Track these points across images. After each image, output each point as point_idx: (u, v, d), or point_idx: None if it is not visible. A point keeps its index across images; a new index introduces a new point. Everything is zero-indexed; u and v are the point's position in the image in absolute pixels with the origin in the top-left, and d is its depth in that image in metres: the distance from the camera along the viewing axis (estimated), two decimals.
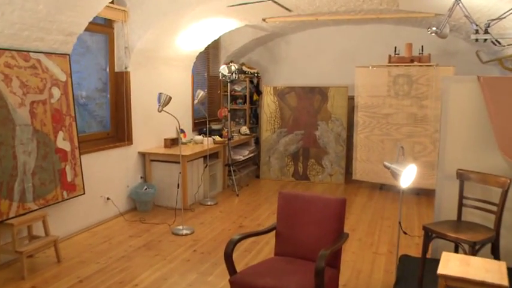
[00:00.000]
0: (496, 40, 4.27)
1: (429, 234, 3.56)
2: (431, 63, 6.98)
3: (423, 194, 7.20)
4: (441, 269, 2.57)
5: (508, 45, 4.46)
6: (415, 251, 4.77)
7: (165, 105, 5.24)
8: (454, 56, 7.99)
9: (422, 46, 7.28)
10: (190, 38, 6.54)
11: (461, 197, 3.71)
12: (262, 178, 8.30)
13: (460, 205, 3.72)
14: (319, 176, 8.11)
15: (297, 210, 3.50)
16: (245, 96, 8.71)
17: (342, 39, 8.63)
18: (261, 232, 3.50)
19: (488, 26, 4.23)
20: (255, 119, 9.12)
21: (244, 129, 8.35)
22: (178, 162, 6.07)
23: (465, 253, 3.18)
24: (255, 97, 8.93)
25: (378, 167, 7.40)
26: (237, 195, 7.06)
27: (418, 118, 7.04)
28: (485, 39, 4.30)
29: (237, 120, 8.89)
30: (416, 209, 6.46)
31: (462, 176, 3.68)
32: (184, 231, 5.26)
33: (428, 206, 6.60)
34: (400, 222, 3.54)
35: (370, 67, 7.34)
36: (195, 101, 6.46)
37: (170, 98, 5.25)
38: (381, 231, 5.45)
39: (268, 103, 8.26)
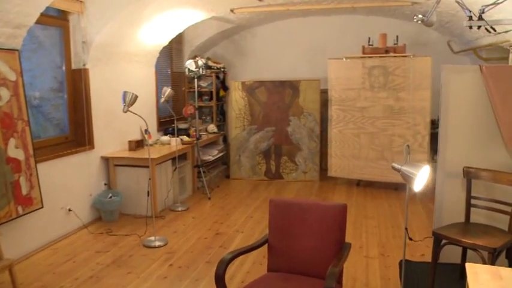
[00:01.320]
0: (491, 27, 4.01)
1: (439, 240, 3.26)
2: (407, 54, 6.74)
3: (402, 189, 6.98)
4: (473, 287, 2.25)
5: (507, 31, 4.23)
6: (410, 254, 4.49)
7: (131, 105, 4.74)
8: (425, 46, 7.81)
9: (397, 36, 7.04)
10: (154, 32, 6.04)
11: (469, 197, 3.42)
12: (233, 178, 7.89)
13: (468, 206, 3.43)
14: (293, 174, 7.77)
15: (291, 220, 3.12)
16: (211, 92, 8.25)
17: (311, 31, 8.31)
18: (253, 247, 3.08)
19: (483, 12, 3.96)
20: (222, 116, 8.68)
21: (212, 127, 7.91)
22: (145, 166, 5.59)
23: (483, 261, 2.89)
24: (222, 93, 8.49)
25: (354, 163, 7.13)
26: (209, 198, 6.62)
27: (395, 111, 6.80)
28: (479, 26, 4.04)
29: (204, 118, 8.43)
30: (399, 206, 6.22)
31: (470, 174, 3.40)
32: (157, 243, 4.79)
33: (410, 202, 6.37)
34: (406, 229, 3.22)
35: (344, 59, 7.04)
36: (162, 99, 5.97)
37: (136, 97, 4.75)
38: (367, 233, 5.15)
39: (237, 99, 7.84)
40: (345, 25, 8.17)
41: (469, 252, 3.43)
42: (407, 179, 2.74)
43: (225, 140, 8.50)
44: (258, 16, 7.61)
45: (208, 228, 5.32)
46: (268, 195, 6.79)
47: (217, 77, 8.33)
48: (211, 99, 8.24)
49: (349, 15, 8.12)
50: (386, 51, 6.93)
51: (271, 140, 7.79)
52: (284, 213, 3.14)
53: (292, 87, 7.68)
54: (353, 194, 6.83)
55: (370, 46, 7.15)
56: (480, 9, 4.02)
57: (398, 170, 2.84)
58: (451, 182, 3.64)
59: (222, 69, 8.21)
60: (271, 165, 7.83)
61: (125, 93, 4.73)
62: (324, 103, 7.85)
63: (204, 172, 6.85)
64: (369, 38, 7.18)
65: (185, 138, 6.84)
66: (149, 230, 5.20)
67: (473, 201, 3.44)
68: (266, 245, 3.18)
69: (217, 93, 8.31)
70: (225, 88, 8.57)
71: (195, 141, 6.79)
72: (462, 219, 3.59)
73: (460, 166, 3.52)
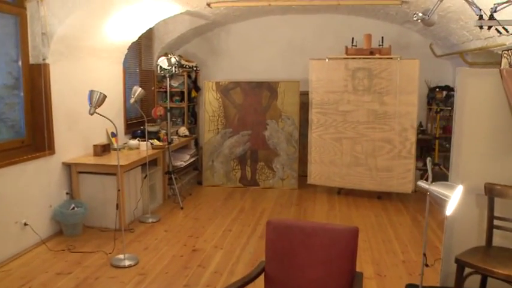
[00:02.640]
0: (504, 27, 3.67)
1: (462, 268, 2.87)
2: (394, 56, 6.42)
3: (385, 198, 6.65)
4: None
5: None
6: (407, 272, 4.12)
7: (99, 106, 4.18)
8: (407, 48, 7.54)
9: (382, 37, 6.70)
10: (122, 25, 5.47)
11: (491, 217, 3.06)
12: (206, 185, 7.37)
13: (490, 227, 3.07)
14: (270, 181, 7.33)
15: (293, 246, 2.66)
16: (182, 92, 7.71)
17: (289, 30, 7.90)
18: (247, 281, 2.60)
19: (495, 11, 3.62)
20: (193, 118, 8.16)
21: (183, 130, 7.37)
22: (113, 174, 5.02)
23: None
24: (194, 93, 7.96)
25: (335, 170, 6.75)
26: (181, 208, 6.09)
27: (380, 115, 6.46)
28: (490, 26, 3.70)
29: (174, 120, 7.88)
30: (386, 216, 5.87)
31: (493, 192, 3.04)
32: (127, 262, 4.24)
33: (396, 212, 6.05)
34: (424, 254, 2.82)
35: (327, 59, 6.65)
36: (132, 100, 5.41)
37: (104, 97, 4.19)
38: (358, 248, 4.75)
39: (211, 100, 7.34)
40: (325, 25, 7.81)
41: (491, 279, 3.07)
42: (438, 201, 2.34)
43: (197, 143, 7.98)
44: (234, 12, 7.14)
45: (184, 244, 4.80)
46: (245, 205, 6.33)
47: (189, 77, 7.80)
48: (182, 99, 7.70)
49: (330, 15, 7.76)
50: (371, 53, 6.59)
51: (247, 144, 7.33)
52: (284, 237, 2.68)
53: (269, 88, 7.25)
54: (335, 203, 6.45)
55: (354, 47, 6.79)
56: (492, 8, 3.69)
57: (425, 190, 2.43)
58: (466, 199, 3.27)
59: (195, 68, 7.69)
60: (247, 171, 7.36)
61: (91, 93, 4.17)
62: (304, 106, 7.46)
63: (175, 179, 6.32)
64: (353, 39, 6.82)
65: (155, 142, 6.29)
66: (117, 245, 4.64)
67: (495, 222, 3.07)
68: (262, 275, 2.71)
69: (189, 93, 7.78)
70: (197, 88, 8.05)
71: (166, 146, 6.25)
72: (478, 241, 3.24)
73: (476, 180, 3.16)
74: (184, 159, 6.97)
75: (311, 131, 6.87)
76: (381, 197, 6.69)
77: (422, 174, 7.02)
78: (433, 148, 7.38)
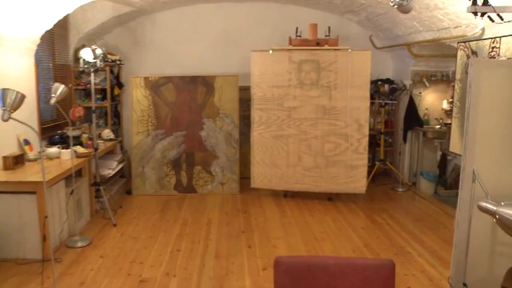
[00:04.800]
0: (498, 14, 3.31)
1: None
2: (343, 47, 5.98)
3: (337, 200, 6.23)
4: None
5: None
6: None
7: (15, 109, 3.26)
8: (346, 40, 7.15)
9: (329, 27, 6.24)
10: (33, 9, 4.47)
11: None
12: (137, 194, 6.49)
13: None
14: (209, 186, 6.62)
15: None
16: (104, 90, 6.75)
17: (222, 19, 7.23)
18: None
19: None
20: (116, 119, 7.20)
21: (107, 132, 6.42)
22: (30, 192, 4.07)
23: None
24: (116, 91, 7.01)
25: (282, 171, 6.21)
26: (114, 224, 5.21)
27: (329, 111, 6.01)
28: (483, 13, 3.32)
29: (96, 121, 6.85)
30: (344, 220, 5.43)
31: None
32: None
33: (353, 215, 5.64)
34: (465, 285, 2.32)
35: (271, 51, 6.07)
36: (53, 100, 4.44)
37: (23, 97, 3.28)
38: None
39: (139, 98, 6.46)
40: (261, 14, 7.24)
41: None
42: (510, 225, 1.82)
43: (122, 148, 7.04)
44: None
45: (128, 273, 3.98)
46: (186, 216, 5.58)
47: (111, 72, 6.84)
48: (104, 98, 6.73)
49: (265, 3, 7.20)
50: (318, 44, 6.11)
51: (181, 146, 6.56)
52: (302, 281, 2.05)
53: (205, 84, 6.52)
54: (286, 208, 5.92)
55: (299, 37, 6.28)
56: None
57: (493, 214, 1.91)
58: (475, 210, 2.83)
59: (118, 62, 6.75)
60: (183, 176, 6.59)
61: (3, 92, 3.24)
62: (244, 102, 6.86)
63: (104, 190, 5.40)
64: (297, 29, 6.30)
65: (79, 149, 5.33)
66: (45, 283, 3.71)
67: None
68: None
69: (111, 91, 6.82)
70: (120, 85, 7.11)
71: (92, 153, 5.31)
72: (491, 258, 2.82)
73: (492, 189, 2.73)
74: (111, 167, 6.05)
75: (253, 129, 6.27)
76: (331, 198, 6.26)
77: (369, 173, 6.69)
78: (378, 144, 7.11)
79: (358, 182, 6.04)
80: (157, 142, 6.51)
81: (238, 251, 4.51)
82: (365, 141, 5.95)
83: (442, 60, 6.70)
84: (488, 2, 3.28)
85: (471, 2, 3.31)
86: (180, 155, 6.56)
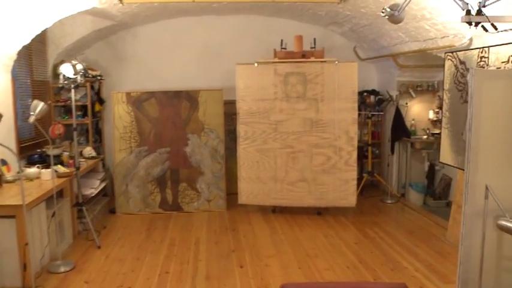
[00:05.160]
0: (492, 24, 3.25)
1: None
2: (330, 59, 5.92)
3: (326, 214, 6.11)
4: None
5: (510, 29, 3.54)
6: None
7: None
8: (330, 52, 7.08)
9: (314, 39, 6.17)
10: (10, 23, 4.29)
11: None
12: (120, 213, 6.27)
13: None
14: (195, 204, 6.44)
15: None
16: (84, 106, 6.54)
17: (205, 33, 7.11)
18: None
19: (484, 6, 3.18)
20: (98, 136, 6.99)
21: (89, 150, 6.21)
22: (9, 216, 3.85)
23: None
24: (97, 107, 6.81)
25: (269, 186, 6.08)
26: (99, 246, 4.98)
27: (317, 124, 5.91)
28: (477, 23, 3.26)
29: (76, 138, 6.63)
30: (336, 235, 5.31)
31: None
32: None
33: (344, 229, 5.54)
34: None
35: (256, 64, 5.97)
36: (31, 118, 4.22)
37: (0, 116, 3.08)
38: (325, 279, 4.10)
39: (121, 114, 6.27)
40: (244, 27, 7.15)
41: None
42: None
43: (104, 165, 6.82)
44: (146, 12, 6.18)
45: None
46: (173, 235, 5.40)
47: (92, 88, 6.65)
48: (85, 114, 6.53)
49: (248, 16, 7.12)
50: (304, 56, 6.03)
51: (165, 163, 6.37)
52: None
53: (189, 98, 6.37)
54: (275, 224, 5.77)
55: (284, 50, 6.19)
56: (480, 2, 3.25)
57: None
58: (480, 223, 2.74)
59: (99, 78, 6.55)
60: (168, 194, 6.40)
61: None
62: (229, 117, 6.73)
63: (87, 210, 5.18)
64: (282, 41, 6.21)
65: (60, 168, 5.12)
66: None
67: None
68: None
69: (92, 107, 6.62)
70: (101, 101, 6.91)
71: (74, 172, 5.10)
72: (496, 271, 2.72)
73: (492, 200, 2.64)
74: (94, 186, 5.83)
75: (240, 144, 6.14)
76: (320, 212, 6.14)
77: (357, 185, 6.60)
78: (366, 156, 7.04)
79: (348, 196, 5.94)
80: (141, 159, 6.32)
81: (230, 271, 4.34)
82: (355, 153, 5.87)
83: (428, 70, 6.69)
84: (482, 11, 3.22)
85: (465, 11, 3.25)
86: (165, 172, 6.38)
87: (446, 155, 5.25)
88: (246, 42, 7.10)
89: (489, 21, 3.28)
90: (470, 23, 3.26)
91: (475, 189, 2.72)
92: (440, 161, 5.40)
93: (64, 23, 5.81)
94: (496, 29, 3.34)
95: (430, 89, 6.85)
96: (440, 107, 6.63)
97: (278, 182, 6.08)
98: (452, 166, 5.13)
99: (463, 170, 4.88)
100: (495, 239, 2.80)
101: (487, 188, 2.09)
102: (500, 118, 2.69)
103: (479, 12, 3.24)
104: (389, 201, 6.74)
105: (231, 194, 6.55)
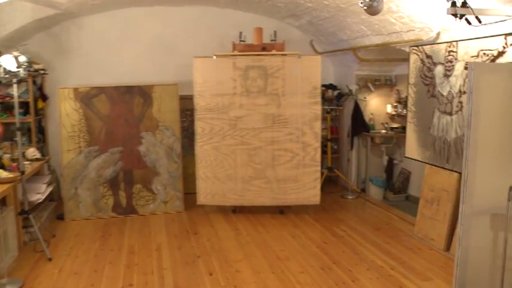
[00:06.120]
0: (476, 17, 3.16)
1: None
2: (291, 52, 5.72)
3: (289, 212, 5.93)
4: None
5: (496, 22, 3.43)
6: None
7: None
8: (286, 45, 6.91)
9: (275, 31, 5.95)
10: None
11: None
12: (70, 219, 5.79)
13: None
14: (150, 206, 6.07)
15: None
16: (25, 103, 5.97)
17: (156, 25, 6.72)
18: None
19: None
20: (41, 135, 6.43)
21: (32, 151, 5.67)
22: None
23: None
24: (40, 104, 6.25)
25: (229, 186, 5.82)
26: (50, 259, 4.52)
27: (279, 120, 5.71)
28: (462, 15, 3.15)
29: (16, 139, 6.05)
30: (303, 235, 5.14)
31: None
32: None
33: (311, 228, 5.39)
34: None
35: (214, 57, 5.66)
36: None
37: None
38: (302, 284, 3.90)
39: (68, 112, 5.77)
40: (197, 19, 6.83)
41: None
42: None
43: (49, 167, 6.28)
44: (93, 0, 5.70)
45: None
46: (131, 241, 5.02)
47: (34, 83, 6.08)
48: (27, 112, 5.96)
49: (201, 7, 6.80)
50: (264, 49, 5.79)
51: (118, 164, 5.95)
52: None
53: (142, 94, 5.98)
54: (238, 225, 5.53)
55: (243, 42, 5.93)
56: None
57: None
58: (485, 224, 2.63)
59: (42, 72, 5.99)
60: (121, 196, 5.98)
61: None
62: (182, 112, 6.39)
63: (34, 218, 4.70)
64: (241, 33, 5.94)
65: (2, 173, 4.60)
66: None
67: None
68: None
69: (35, 104, 6.06)
70: (45, 97, 6.35)
71: (18, 177, 4.60)
72: (492, 269, 2.62)
73: (489, 198, 2.53)
74: (40, 191, 5.32)
75: (197, 142, 5.82)
76: (283, 211, 5.96)
77: None
78: (325, 151, 6.92)
79: (312, 193, 5.78)
80: (91, 160, 5.86)
81: (199, 280, 4.05)
82: (319, 149, 5.72)
83: (386, 64, 6.66)
84: (467, 3, 3.12)
85: (450, 3, 3.14)
86: (117, 173, 5.95)
87: (412, 149, 5.20)
88: (201, 35, 6.78)
89: (473, 14, 3.19)
90: (455, 15, 3.15)
91: (473, 187, 2.60)
92: (406, 155, 5.35)
93: (1, 9, 5.24)
94: (480, 21, 3.26)
95: (388, 83, 6.84)
96: (399, 101, 6.64)
97: (238, 181, 5.83)
98: (420, 161, 5.08)
99: (432, 164, 4.88)
100: (490, 237, 2.70)
101: (511, 189, 1.96)
102: (501, 114, 2.57)
103: (464, 4, 3.14)
104: (350, 197, 6.67)
105: (187, 193, 6.23)
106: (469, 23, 3.27)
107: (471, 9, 3.13)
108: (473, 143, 2.55)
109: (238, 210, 6.05)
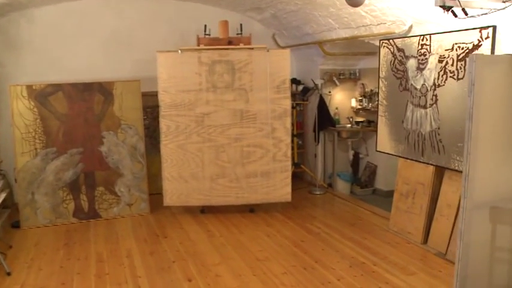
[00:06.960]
0: (463, 9, 3.12)
1: None
2: (258, 46, 5.56)
3: (259, 210, 5.80)
4: None
5: (480, 15, 3.38)
6: None
7: None
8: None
9: (241, 24, 5.77)
10: None
11: None
12: (27, 227, 5.38)
13: None
14: (114, 209, 5.76)
15: None
16: None
17: (112, 18, 6.41)
18: None
19: None
20: None
21: None
22: None
23: None
24: None
25: (197, 185, 5.62)
26: (9, 273, 4.15)
27: (247, 116, 5.55)
28: (450, 7, 3.11)
29: None
30: (278, 233, 5.01)
31: None
32: None
33: (285, 226, 5.27)
34: None
35: (180, 51, 5.42)
36: None
37: None
38: (287, 286, 3.78)
39: (22, 111, 5.36)
40: (155, 12, 6.59)
41: None
42: None
43: (0, 171, 5.81)
44: None
45: None
46: (99, 249, 4.72)
47: None
48: None
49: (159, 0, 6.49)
50: (230, 43, 5.61)
51: (78, 166, 5.60)
52: None
53: (103, 91, 5.65)
54: (209, 226, 5.33)
55: (208, 36, 5.71)
56: None
57: None
58: (483, 215, 2.58)
59: None
60: (83, 200, 5.64)
61: None
62: (144, 110, 6.11)
63: None
64: (205, 26, 5.73)
65: None
66: None
67: None
68: None
69: None
70: None
71: None
72: (490, 264, 2.60)
73: (487, 191, 2.49)
74: None
75: (162, 140, 5.57)
76: (253, 209, 5.82)
77: None
78: (292, 147, 6.81)
79: (283, 190, 5.68)
80: (49, 163, 5.47)
81: (178, 286, 3.83)
82: (289, 145, 5.61)
83: (350, 58, 6.64)
84: None
85: None
86: (78, 175, 5.60)
87: (384, 143, 5.19)
88: (160, 29, 6.51)
89: (460, 6, 3.15)
90: (444, 7, 3.11)
91: (474, 182, 2.55)
92: (378, 149, 5.34)
93: None
94: (466, 14, 3.23)
95: (352, 77, 6.82)
96: (364, 95, 6.64)
97: (206, 180, 5.63)
98: (393, 155, 5.07)
99: (406, 158, 4.88)
100: (489, 231, 2.67)
101: None
102: (502, 107, 2.54)
103: None
104: (317, 193, 6.62)
105: (152, 194, 5.97)
106: (455, 15, 3.23)
107: (458, 1, 3.09)
108: (475, 136, 2.50)
109: (206, 210, 5.85)
